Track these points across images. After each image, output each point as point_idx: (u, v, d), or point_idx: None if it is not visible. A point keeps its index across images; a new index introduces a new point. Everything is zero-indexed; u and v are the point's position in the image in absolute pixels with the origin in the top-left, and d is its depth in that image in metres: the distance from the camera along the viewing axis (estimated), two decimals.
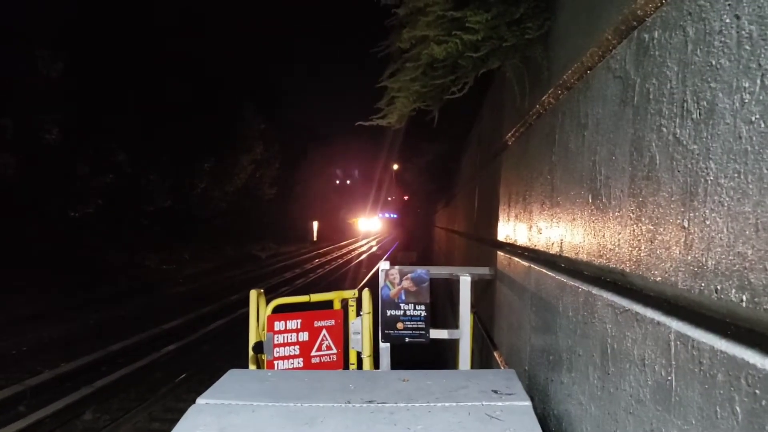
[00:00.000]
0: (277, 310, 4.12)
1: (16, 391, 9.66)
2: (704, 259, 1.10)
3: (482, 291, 4.44)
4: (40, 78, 22.15)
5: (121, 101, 25.91)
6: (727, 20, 1.05)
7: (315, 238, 56.97)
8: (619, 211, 1.57)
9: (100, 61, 24.63)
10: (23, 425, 8.29)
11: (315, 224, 59.17)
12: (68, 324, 15.73)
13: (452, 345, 5.26)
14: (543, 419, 2.26)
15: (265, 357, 3.95)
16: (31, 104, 22.16)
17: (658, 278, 1.31)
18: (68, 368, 11.14)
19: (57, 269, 20.20)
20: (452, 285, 6.19)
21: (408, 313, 3.73)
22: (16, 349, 12.97)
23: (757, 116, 0.94)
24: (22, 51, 21.47)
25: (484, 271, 4.03)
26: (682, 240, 1.20)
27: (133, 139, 26.99)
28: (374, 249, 48.87)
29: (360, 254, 44.71)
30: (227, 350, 13.45)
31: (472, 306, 3.83)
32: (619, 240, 1.56)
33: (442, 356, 8.08)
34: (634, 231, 1.45)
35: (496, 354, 3.84)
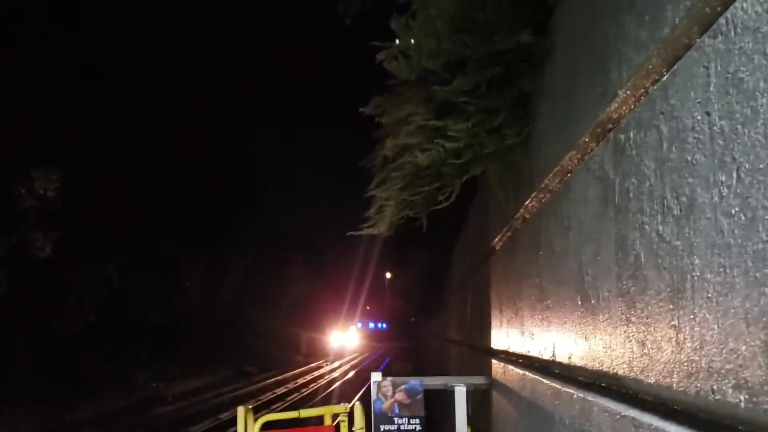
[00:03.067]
0: (266, 427, 3.97)
1: None
2: (697, 358, 1.07)
3: (478, 400, 4.30)
4: (36, 196, 22.38)
5: (114, 214, 26.14)
6: (699, 117, 1.07)
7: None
8: (608, 312, 1.54)
9: (92, 174, 25.03)
10: None
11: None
12: None
13: None
14: None
15: None
16: (26, 222, 22.29)
17: (652, 380, 1.26)
18: None
19: (42, 388, 19.64)
20: (449, 394, 6.02)
21: (402, 427, 3.59)
22: None
23: (737, 209, 0.93)
24: (17, 171, 21.80)
25: (479, 380, 3.92)
26: (674, 339, 1.16)
27: (124, 253, 27.00)
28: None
29: None
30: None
31: (469, 418, 3.70)
32: (610, 342, 1.52)
33: None
34: (624, 332, 1.42)
35: None
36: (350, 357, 52.73)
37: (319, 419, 4.20)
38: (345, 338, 63.58)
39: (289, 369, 34.22)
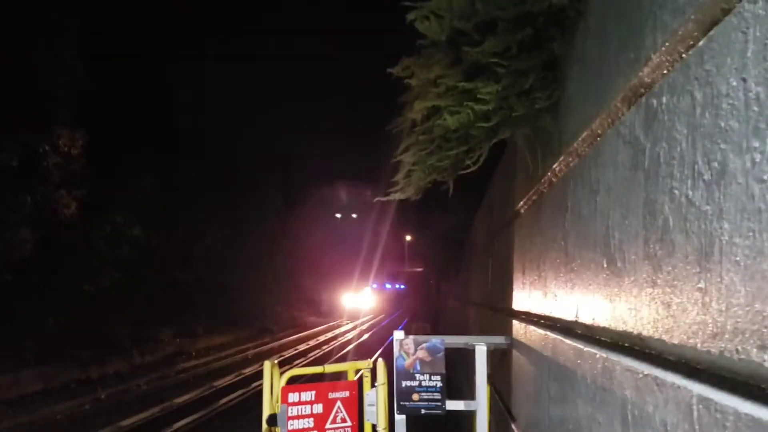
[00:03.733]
0: (291, 381, 4.08)
1: None
2: (723, 320, 1.10)
3: (498, 360, 4.37)
4: (60, 155, 22.62)
5: (138, 174, 26.39)
6: (734, 83, 1.08)
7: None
8: (634, 275, 1.57)
9: (117, 136, 25.23)
10: None
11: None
12: (80, 399, 15.58)
13: (468, 416, 5.15)
14: None
15: (279, 430, 3.89)
16: (51, 180, 22.58)
17: (677, 341, 1.29)
18: None
19: (69, 343, 20.13)
20: (467, 354, 6.11)
21: (423, 383, 3.68)
22: (29, 426, 12.82)
23: None
24: (42, 129, 22.01)
25: (499, 340, 3.98)
26: (700, 301, 1.19)
27: (148, 211, 27.30)
28: None
29: None
30: (240, 425, 13.22)
31: (489, 376, 3.77)
32: (635, 304, 1.55)
33: (458, 427, 7.89)
34: (650, 294, 1.45)
35: (514, 426, 3.75)
36: (364, 319, 49.50)
37: (343, 374, 4.31)
38: (360, 299, 58.62)
39: (309, 327, 34.37)
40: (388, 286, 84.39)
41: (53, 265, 22.69)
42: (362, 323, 45.49)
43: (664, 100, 1.40)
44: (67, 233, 23.42)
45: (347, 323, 45.02)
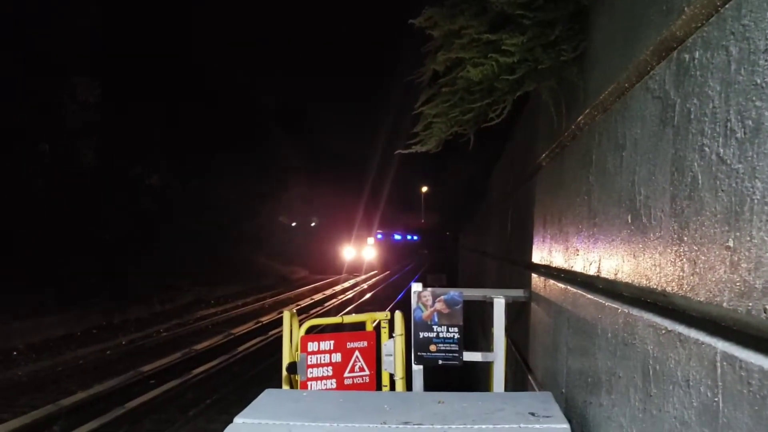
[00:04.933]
0: (310, 331, 4.14)
1: (51, 411, 9.79)
2: (751, 279, 1.09)
3: (516, 313, 4.41)
4: (77, 104, 22.66)
5: (155, 126, 26.43)
6: None
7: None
8: (659, 232, 1.56)
9: (134, 87, 25.18)
10: None
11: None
12: (102, 345, 15.95)
13: (484, 367, 5.22)
14: None
15: (298, 377, 3.97)
16: (68, 129, 22.68)
17: (702, 298, 1.30)
18: (101, 389, 11.28)
19: (90, 291, 20.51)
20: (484, 307, 6.15)
21: (441, 335, 3.72)
22: (52, 370, 13.17)
23: None
24: (60, 78, 22.01)
25: (518, 293, 4.00)
26: (728, 260, 1.19)
27: (166, 163, 27.44)
28: None
29: None
30: (258, 371, 13.50)
31: (506, 328, 3.81)
32: (660, 260, 1.55)
33: (473, 378, 8.01)
34: (676, 251, 1.45)
35: (530, 376, 3.80)
36: (368, 275, 44.55)
37: (361, 325, 4.37)
38: (363, 252, 53.84)
39: (296, 286, 33.32)
40: (397, 237, 76.77)
41: (72, 214, 22.94)
42: (365, 280, 41.03)
43: (696, 54, 1.37)
44: (86, 182, 23.62)
45: (348, 280, 39.55)
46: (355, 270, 45.81)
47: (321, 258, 48.21)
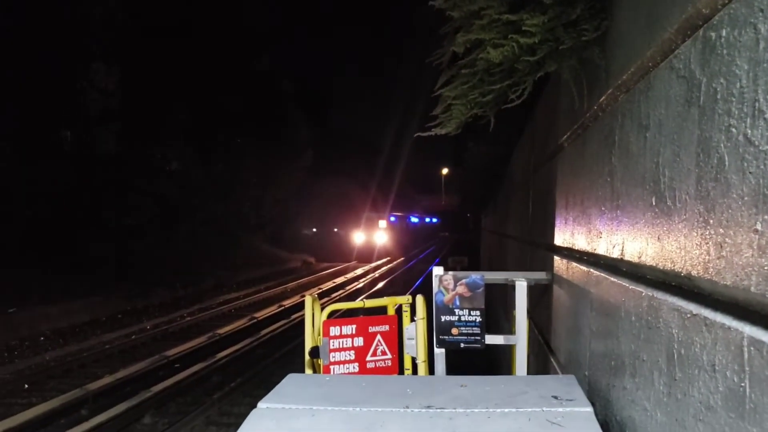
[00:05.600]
0: (332, 315, 4.16)
1: (78, 395, 9.96)
2: None
3: (538, 295, 4.39)
4: (96, 90, 22.84)
5: (174, 111, 26.56)
6: None
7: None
8: (685, 214, 1.54)
9: (153, 73, 25.29)
10: (85, 428, 8.54)
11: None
12: (127, 329, 16.17)
13: (506, 350, 5.21)
14: (605, 425, 2.23)
15: (321, 361, 3.99)
16: (89, 116, 22.89)
17: (728, 282, 1.27)
18: (127, 373, 11.44)
19: (113, 276, 20.78)
20: (506, 289, 6.13)
21: (463, 318, 3.71)
22: (78, 354, 13.39)
23: None
24: (79, 64, 22.18)
25: (540, 275, 3.98)
26: (755, 243, 1.16)
27: (186, 148, 27.60)
28: None
29: None
30: (281, 355, 13.61)
31: (528, 311, 3.79)
32: (685, 243, 1.53)
33: (495, 362, 8.02)
34: (701, 234, 1.42)
35: (552, 359, 3.79)
36: (379, 262, 40.61)
37: (383, 309, 4.38)
38: (375, 236, 48.83)
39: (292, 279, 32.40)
40: (414, 219, 69.38)
41: (95, 199, 23.21)
42: (376, 267, 37.19)
43: (723, 32, 1.34)
44: (107, 168, 23.86)
45: (357, 269, 36.05)
46: (365, 257, 42.34)
47: (329, 243, 45.50)
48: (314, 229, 48.17)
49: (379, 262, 40.52)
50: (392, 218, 52.59)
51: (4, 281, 16.88)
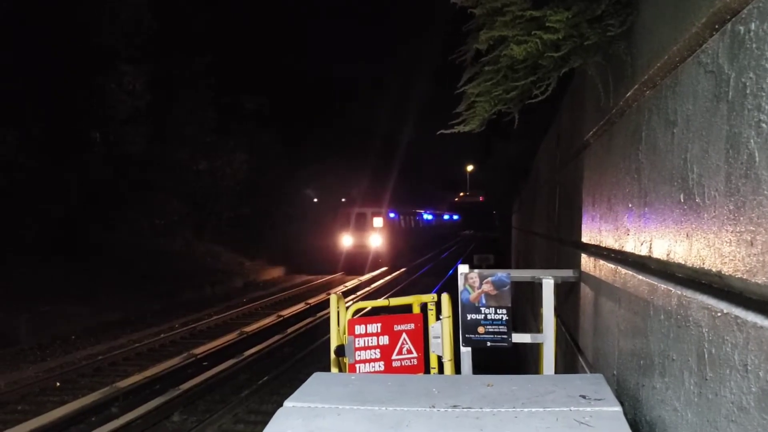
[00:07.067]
0: (357, 314, 4.17)
1: (109, 393, 10.10)
2: None
3: (565, 293, 4.35)
4: (125, 92, 23.13)
5: (201, 109, 26.83)
6: None
7: None
8: (714, 211, 1.51)
9: (178, 71, 25.56)
10: (115, 426, 8.66)
11: None
12: (156, 328, 16.35)
13: (533, 349, 5.18)
14: (634, 425, 2.20)
15: (346, 360, 4.00)
16: (118, 117, 23.19)
17: (760, 281, 1.25)
18: (156, 371, 11.57)
19: (143, 275, 21.02)
20: (533, 286, 6.09)
21: (489, 317, 3.69)
22: (108, 353, 13.58)
23: None
24: (107, 66, 22.47)
25: (567, 273, 3.95)
26: None
27: (213, 146, 27.84)
28: None
29: None
30: (307, 353, 13.67)
31: (555, 309, 3.76)
32: (714, 241, 1.50)
33: (522, 360, 7.97)
34: (732, 231, 1.40)
35: (580, 358, 3.76)
36: (375, 273, 31.72)
37: (408, 307, 4.37)
38: (368, 240, 36.05)
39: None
40: (427, 216, 55.74)
41: (125, 199, 23.50)
42: (372, 279, 29.22)
43: (752, 26, 1.31)
44: (136, 168, 24.14)
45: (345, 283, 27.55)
46: (356, 268, 32.96)
47: (311, 249, 35.69)
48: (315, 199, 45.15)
49: (375, 273, 31.90)
50: (392, 214, 40.20)
51: (38, 280, 17.17)
